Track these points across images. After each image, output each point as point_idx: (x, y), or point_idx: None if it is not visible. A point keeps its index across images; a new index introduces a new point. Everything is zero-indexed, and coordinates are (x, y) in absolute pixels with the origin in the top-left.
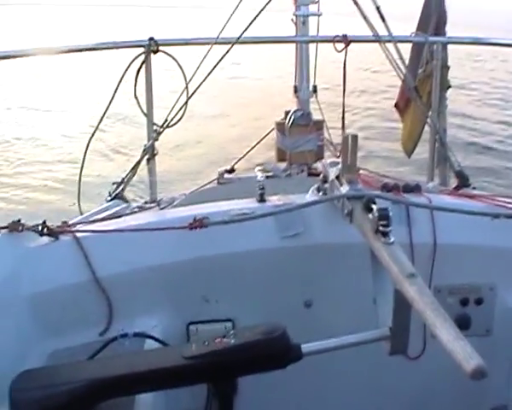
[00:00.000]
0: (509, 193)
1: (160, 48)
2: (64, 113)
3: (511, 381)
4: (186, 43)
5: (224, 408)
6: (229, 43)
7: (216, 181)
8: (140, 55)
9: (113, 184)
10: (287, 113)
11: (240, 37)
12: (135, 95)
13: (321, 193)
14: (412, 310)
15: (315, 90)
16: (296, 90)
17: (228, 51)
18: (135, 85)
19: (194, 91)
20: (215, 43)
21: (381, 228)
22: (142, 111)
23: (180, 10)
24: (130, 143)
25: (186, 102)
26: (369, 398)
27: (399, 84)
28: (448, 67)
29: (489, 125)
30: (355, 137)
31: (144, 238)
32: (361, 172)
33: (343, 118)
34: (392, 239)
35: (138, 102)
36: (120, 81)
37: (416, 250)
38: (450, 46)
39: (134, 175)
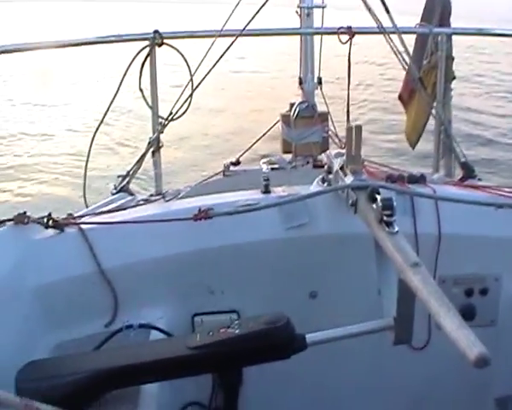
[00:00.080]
0: None
1: (165, 41)
2: (69, 106)
3: None
4: (190, 35)
5: (229, 399)
6: (233, 35)
7: (221, 173)
8: (144, 48)
9: (119, 176)
10: (291, 105)
11: (244, 29)
12: (140, 88)
13: (325, 184)
14: (416, 300)
15: (320, 81)
16: (301, 81)
17: (232, 43)
18: (140, 78)
19: (199, 84)
20: (219, 36)
21: (385, 218)
22: (147, 104)
23: (184, 5)
24: (136, 135)
25: (191, 95)
26: (373, 388)
27: (404, 76)
28: (453, 58)
29: (492, 117)
30: (359, 128)
31: (149, 230)
32: (366, 163)
33: (348, 110)
34: (396, 229)
35: (143, 95)
36: (125, 74)
37: (420, 241)
38: (454, 38)
39: (139, 168)
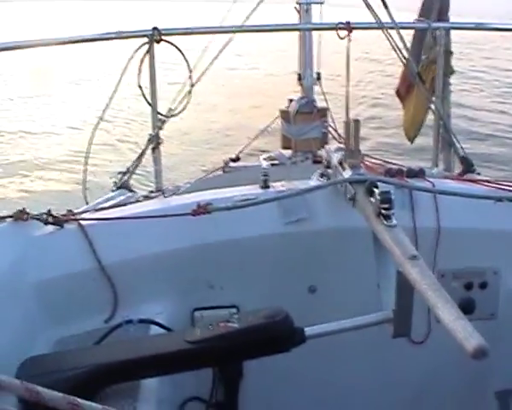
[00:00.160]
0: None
1: (163, 37)
2: (69, 103)
3: None
4: (189, 32)
5: (229, 393)
6: (231, 31)
7: (221, 170)
8: (143, 44)
9: (119, 173)
10: (291, 100)
11: (242, 25)
12: (139, 84)
13: (324, 178)
14: (416, 294)
15: (319, 77)
16: (300, 77)
17: (230, 39)
18: (139, 75)
19: (198, 80)
20: (218, 32)
21: (383, 211)
22: (147, 100)
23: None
24: (135, 132)
25: (190, 91)
26: (373, 382)
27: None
28: (451, 53)
29: (491, 113)
30: (357, 123)
31: (148, 226)
32: (365, 158)
33: (347, 105)
34: (394, 222)
35: (142, 92)
36: (124, 71)
37: (419, 234)
38: (452, 33)
39: (139, 164)
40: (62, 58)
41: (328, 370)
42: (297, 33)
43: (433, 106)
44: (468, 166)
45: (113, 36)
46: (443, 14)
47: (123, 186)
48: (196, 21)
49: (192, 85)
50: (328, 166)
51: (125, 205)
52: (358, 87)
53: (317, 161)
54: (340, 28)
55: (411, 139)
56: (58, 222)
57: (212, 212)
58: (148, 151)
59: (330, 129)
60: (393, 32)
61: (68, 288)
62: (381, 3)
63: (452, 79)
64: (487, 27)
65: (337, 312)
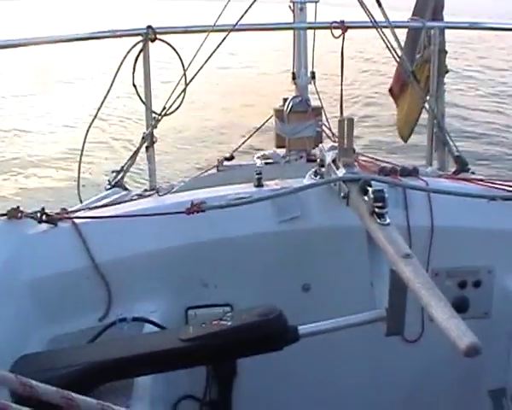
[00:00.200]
0: (505, 176)
1: (158, 36)
2: (63, 102)
3: (509, 363)
4: (183, 31)
5: (223, 391)
6: (226, 30)
7: (215, 168)
8: (138, 43)
9: (113, 172)
10: (285, 99)
11: (237, 24)
12: (133, 83)
13: (318, 177)
14: (410, 293)
15: (313, 76)
16: (294, 76)
17: (225, 38)
18: (133, 74)
19: (192, 79)
20: (212, 31)
21: (376, 210)
22: (141, 99)
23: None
24: (130, 131)
25: (184, 90)
26: (367, 380)
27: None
28: (446, 52)
29: (484, 113)
30: (351, 121)
31: (142, 224)
32: (359, 157)
33: (341, 103)
34: (387, 220)
35: (137, 91)
36: (118, 70)
37: (413, 233)
38: (447, 32)
39: (133, 163)
40: (56, 57)
41: (322, 368)
42: (291, 32)
43: (427, 105)
44: (462, 165)
45: (107, 34)
46: (437, 14)
47: (117, 185)
48: (191, 20)
49: (186, 84)
50: (321, 165)
51: (119, 203)
52: (353, 86)
53: (310, 160)
54: (335, 27)
55: (405, 138)
56: (52, 220)
57: (206, 210)
58: (143, 150)
59: (324, 128)
60: (387, 31)
61: (62, 286)
62: (376, 3)
63: (447, 79)
64: (481, 27)
65: (331, 310)
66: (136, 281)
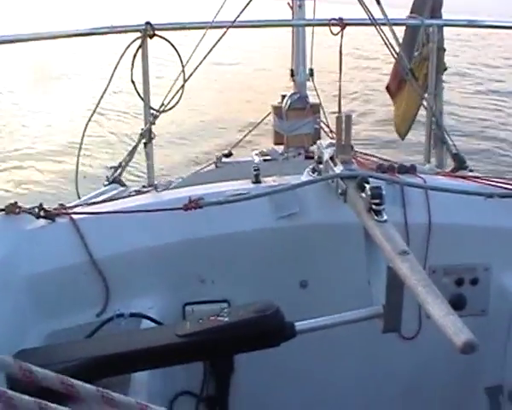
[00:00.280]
0: (502, 174)
1: (157, 32)
2: (61, 97)
3: (506, 361)
4: (182, 27)
5: (220, 387)
6: (224, 27)
7: (213, 165)
8: (136, 39)
9: (111, 168)
10: (283, 96)
11: (235, 20)
12: (132, 79)
13: (316, 174)
14: (407, 290)
15: (311, 73)
16: (293, 73)
17: (223, 35)
18: (131, 70)
19: (191, 75)
20: (210, 27)
21: (373, 206)
22: (139, 95)
23: None
24: (128, 127)
25: (182, 86)
26: (363, 377)
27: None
28: (444, 50)
29: (483, 111)
30: (349, 118)
31: (140, 220)
32: (357, 154)
33: (339, 100)
34: (384, 217)
35: (135, 87)
36: (117, 66)
37: (410, 230)
38: (445, 30)
39: (131, 159)
40: (55, 52)
41: (319, 364)
42: (290, 29)
43: (425, 103)
44: (460, 162)
45: (106, 30)
46: (436, 11)
47: (115, 181)
48: (189, 16)
49: (185, 80)
50: (319, 162)
51: (116, 199)
52: (351, 83)
53: (309, 157)
54: (333, 24)
55: (402, 136)
56: (50, 216)
57: (203, 206)
58: (141, 146)
59: (322, 125)
60: (386, 29)
61: (60, 282)
62: (374, 0)
63: (445, 76)
64: (480, 25)
65: (328, 307)
66: (133, 277)
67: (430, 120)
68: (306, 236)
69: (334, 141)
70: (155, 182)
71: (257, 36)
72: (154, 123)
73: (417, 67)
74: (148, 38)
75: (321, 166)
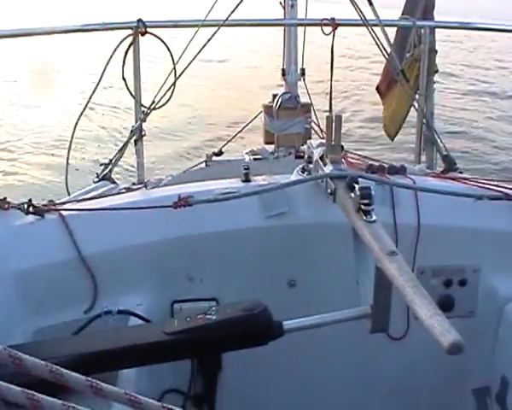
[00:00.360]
0: (492, 176)
1: (148, 29)
2: (52, 94)
3: (494, 362)
4: (174, 25)
5: (208, 385)
6: (216, 25)
7: (204, 163)
8: (128, 36)
9: (101, 165)
10: (274, 96)
11: (227, 19)
12: (123, 76)
13: (305, 173)
14: (395, 291)
15: (303, 73)
16: (284, 73)
17: (215, 33)
18: (123, 67)
19: (182, 73)
20: (202, 26)
21: (362, 207)
22: (130, 93)
23: None
24: (119, 124)
25: (174, 84)
26: (351, 377)
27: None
28: (436, 51)
29: (473, 112)
30: (339, 118)
31: (129, 217)
32: (348, 154)
33: (330, 100)
34: (373, 217)
35: (126, 84)
36: (108, 63)
37: (399, 231)
38: (436, 31)
39: (121, 156)
40: (46, 49)
41: (307, 364)
42: (282, 28)
43: (416, 104)
44: (450, 164)
45: (97, 27)
46: (428, 13)
47: (105, 178)
48: (181, 14)
49: (176, 78)
50: (309, 162)
51: (106, 196)
52: (343, 83)
53: (299, 157)
54: (325, 24)
55: (392, 136)
56: (39, 212)
57: (192, 204)
58: (131, 143)
59: (313, 124)
60: (378, 29)
61: (48, 278)
62: (366, 0)
63: (436, 78)
64: (472, 27)
65: (316, 306)
66: (122, 274)
67: (421, 121)
68: (295, 235)
69: (324, 141)
70: (145, 180)
71: (248, 35)
72: (144, 120)
73: (409, 69)
74: (140, 36)
75: (311, 165)
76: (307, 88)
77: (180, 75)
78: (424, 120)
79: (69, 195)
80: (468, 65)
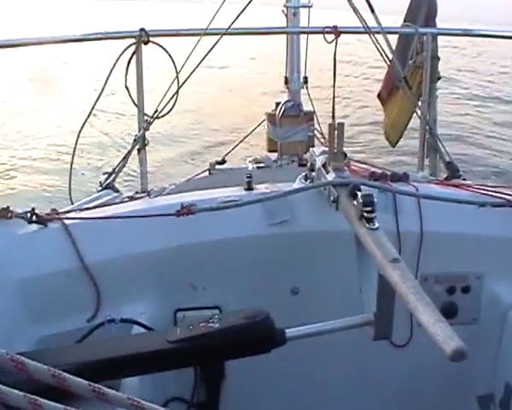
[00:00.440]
0: (495, 183)
1: (151, 39)
2: (55, 103)
3: (497, 369)
4: (176, 34)
5: (211, 393)
6: (218, 34)
7: (207, 172)
8: (131, 45)
9: (104, 173)
10: (277, 104)
11: (229, 27)
12: (126, 85)
13: (308, 181)
14: (397, 297)
15: (306, 81)
16: (287, 81)
17: (217, 42)
18: (125, 76)
19: (185, 82)
20: (205, 34)
21: (365, 214)
22: (133, 101)
23: (169, 4)
24: (122, 133)
25: (177, 92)
26: (354, 384)
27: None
28: (438, 58)
29: (476, 119)
30: (341, 125)
31: (132, 226)
32: (351, 162)
33: (333, 108)
34: (376, 225)
35: (129, 93)
36: (111, 72)
37: (402, 238)
38: (439, 37)
39: (125, 165)
40: (49, 58)
41: (310, 371)
42: (284, 37)
43: (419, 111)
44: (453, 171)
45: (100, 36)
46: (430, 20)
47: (108, 187)
48: (184, 23)
49: (179, 87)
50: (312, 169)
51: (109, 205)
52: (346, 90)
53: (302, 165)
54: (328, 32)
55: (393, 143)
56: (42, 221)
57: (195, 213)
58: (134, 152)
59: (316, 132)
60: (380, 36)
61: (51, 287)
62: (368, 8)
63: (439, 84)
64: (474, 34)
65: (319, 314)
66: (125, 282)
67: (424, 128)
68: (298, 243)
69: (326, 148)
70: (148, 188)
71: (250, 41)
72: (147, 129)
73: (411, 76)
74: (143, 45)
75: (313, 173)
76: (310, 96)
77: (183, 84)
78: (427, 127)
79: (72, 202)
80: (471, 70)
